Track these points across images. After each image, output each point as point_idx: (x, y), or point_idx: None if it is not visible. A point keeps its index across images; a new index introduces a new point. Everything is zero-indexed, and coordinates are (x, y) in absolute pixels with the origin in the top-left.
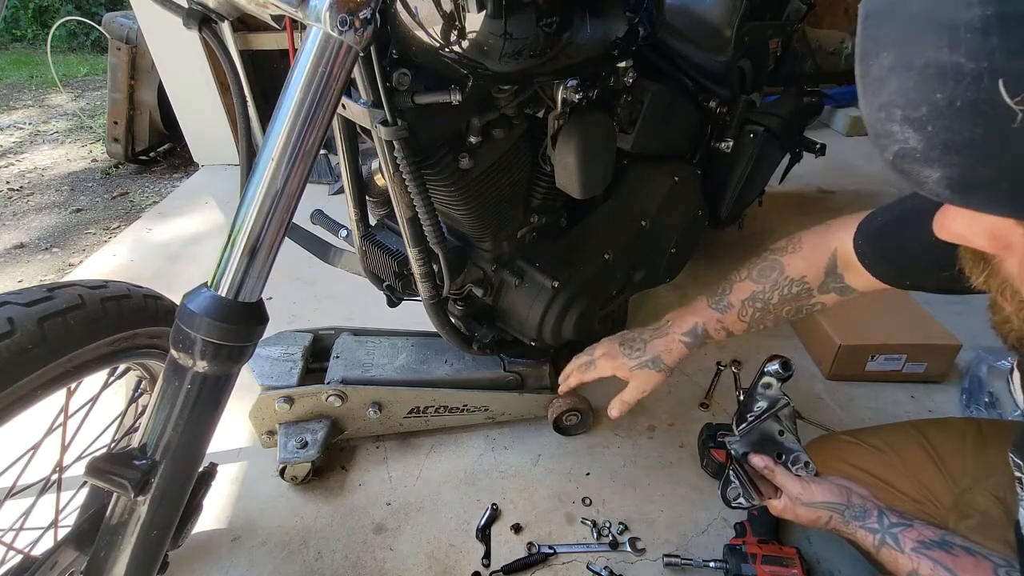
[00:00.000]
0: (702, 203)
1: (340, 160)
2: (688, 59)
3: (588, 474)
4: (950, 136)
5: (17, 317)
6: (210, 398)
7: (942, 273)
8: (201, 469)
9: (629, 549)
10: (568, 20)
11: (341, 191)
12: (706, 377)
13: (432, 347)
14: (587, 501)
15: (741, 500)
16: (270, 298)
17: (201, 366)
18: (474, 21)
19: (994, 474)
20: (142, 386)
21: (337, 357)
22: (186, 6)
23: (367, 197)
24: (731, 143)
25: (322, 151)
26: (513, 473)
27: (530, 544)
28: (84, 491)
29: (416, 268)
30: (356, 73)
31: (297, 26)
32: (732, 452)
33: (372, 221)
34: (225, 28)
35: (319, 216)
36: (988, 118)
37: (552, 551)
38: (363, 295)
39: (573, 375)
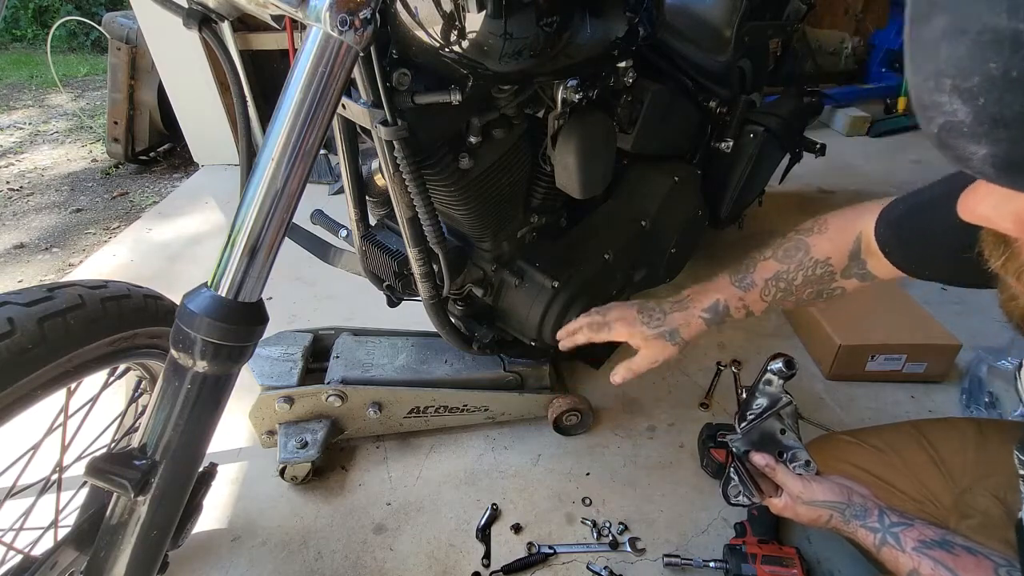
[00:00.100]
0: (702, 203)
1: (340, 160)
2: (688, 59)
3: (588, 474)
4: (1000, 110)
5: (17, 317)
6: (210, 398)
7: (960, 259)
8: (201, 469)
9: (629, 549)
10: (568, 20)
11: (341, 191)
12: (706, 377)
13: (432, 347)
14: (587, 501)
15: (742, 498)
16: (270, 298)
17: (201, 366)
18: (474, 21)
19: (994, 474)
20: (142, 386)
21: (337, 357)
22: (186, 6)
23: (367, 197)
24: (731, 143)
25: (322, 151)
26: (513, 473)
27: (530, 544)
28: (84, 491)
29: (416, 268)
30: (356, 73)
31: (297, 26)
32: (733, 450)
33: (372, 221)
34: (225, 28)
35: (319, 216)
36: None
37: (552, 551)
38: (363, 295)
39: (582, 332)
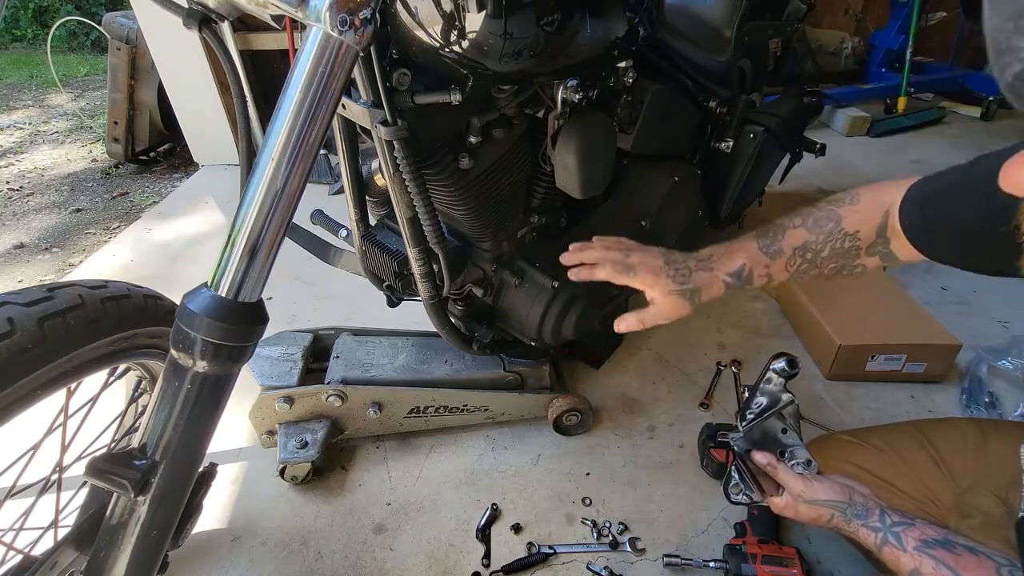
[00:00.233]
0: (702, 203)
1: (340, 160)
2: (688, 59)
3: (588, 474)
4: None
5: (17, 317)
6: (210, 398)
7: (983, 244)
8: (201, 469)
9: (629, 549)
10: (568, 20)
11: (341, 191)
12: (706, 377)
13: (432, 347)
14: (587, 501)
15: (743, 497)
16: (270, 298)
17: (201, 366)
18: (474, 21)
19: (995, 474)
20: (142, 386)
21: (337, 357)
22: (186, 6)
23: (367, 197)
24: (731, 143)
25: (322, 151)
26: (513, 473)
27: (530, 544)
28: (84, 491)
29: (416, 268)
30: (356, 73)
31: (297, 26)
32: (735, 449)
33: (372, 221)
34: (225, 28)
35: (319, 216)
36: None
37: (552, 551)
38: (363, 295)
39: (604, 268)
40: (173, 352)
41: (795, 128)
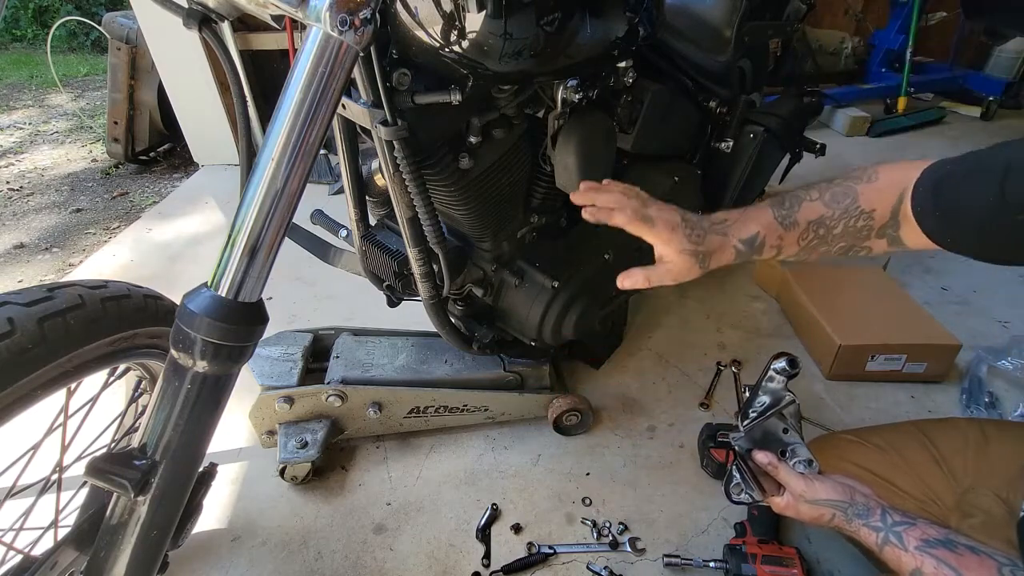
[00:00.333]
0: (702, 203)
1: (340, 160)
2: (688, 59)
3: (588, 474)
4: None
5: (17, 317)
6: (210, 398)
7: (995, 232)
8: (201, 469)
9: (629, 549)
10: (568, 20)
11: (341, 191)
12: (706, 377)
13: (432, 347)
14: (587, 501)
15: (744, 496)
16: (270, 298)
17: (201, 366)
18: (474, 21)
19: (996, 474)
20: (142, 386)
21: (337, 357)
22: (186, 6)
23: (367, 197)
24: (731, 143)
25: (322, 151)
26: (513, 473)
27: (530, 544)
28: (84, 491)
29: (416, 268)
30: (356, 73)
31: (297, 26)
32: (736, 448)
33: (372, 221)
34: (225, 28)
35: (319, 216)
36: None
37: (552, 551)
38: (363, 295)
39: (622, 212)
40: (173, 352)
41: (795, 128)
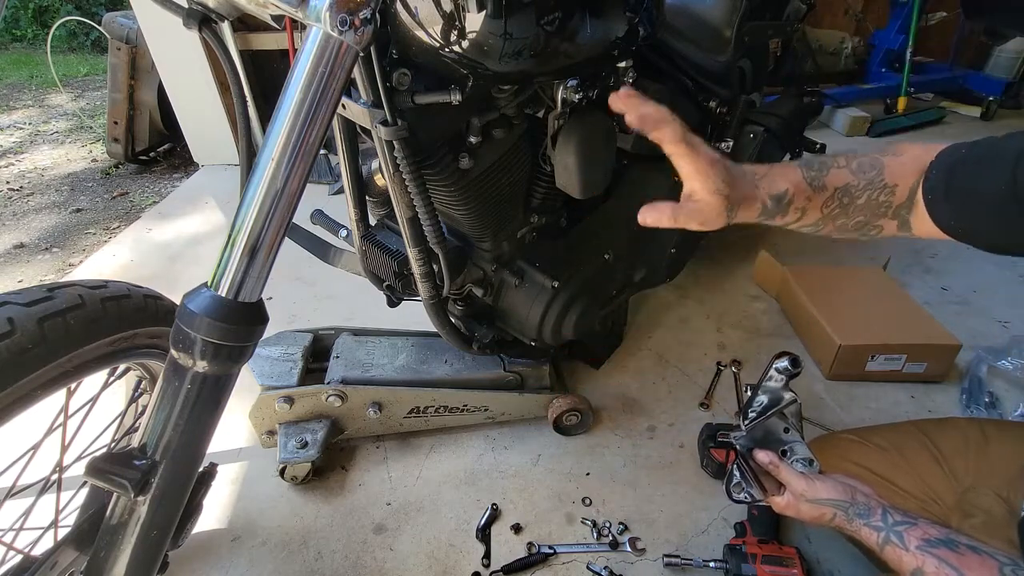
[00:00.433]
0: None
1: (340, 160)
2: (688, 59)
3: (588, 474)
4: None
5: (17, 317)
6: (210, 398)
7: (1008, 221)
8: (201, 469)
9: (629, 549)
10: (568, 20)
11: (341, 191)
12: (706, 377)
13: (432, 347)
14: (587, 501)
15: (745, 495)
16: (270, 298)
17: (201, 366)
18: (474, 21)
19: (997, 473)
20: (142, 386)
21: (337, 357)
22: (186, 6)
23: (367, 197)
24: (731, 143)
25: (322, 151)
26: (513, 473)
27: (530, 544)
28: (84, 491)
29: (416, 268)
30: (356, 73)
31: (297, 26)
32: (737, 447)
33: (372, 221)
34: (225, 28)
35: (319, 216)
36: None
37: (552, 551)
38: (363, 295)
39: (673, 128)
40: (173, 352)
41: (795, 128)
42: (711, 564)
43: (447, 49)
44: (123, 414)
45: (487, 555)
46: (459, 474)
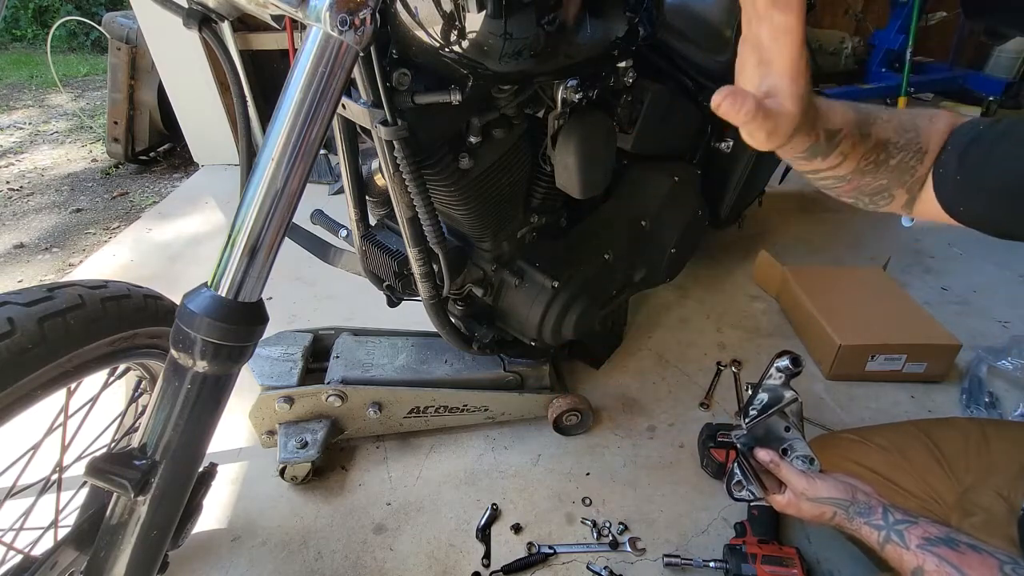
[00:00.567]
0: (702, 203)
1: (340, 160)
2: (688, 59)
3: (588, 474)
4: None
5: (17, 317)
6: (210, 398)
7: (1018, 205)
8: (201, 469)
9: (629, 549)
10: (568, 20)
11: (341, 191)
12: (706, 377)
13: (432, 347)
14: (587, 501)
15: (745, 493)
16: (270, 298)
17: (201, 366)
18: (474, 21)
19: (997, 472)
20: (142, 386)
21: (337, 357)
22: (186, 6)
23: (367, 197)
24: (731, 143)
25: (322, 151)
26: (513, 473)
27: (530, 544)
28: (84, 491)
29: (416, 268)
30: (356, 73)
31: (297, 26)
32: (738, 445)
33: (372, 221)
34: (225, 28)
35: (319, 216)
36: None
37: (552, 551)
38: (363, 295)
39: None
40: (173, 352)
41: None
42: (711, 564)
43: (447, 49)
44: (123, 414)
45: (487, 555)
46: (459, 474)
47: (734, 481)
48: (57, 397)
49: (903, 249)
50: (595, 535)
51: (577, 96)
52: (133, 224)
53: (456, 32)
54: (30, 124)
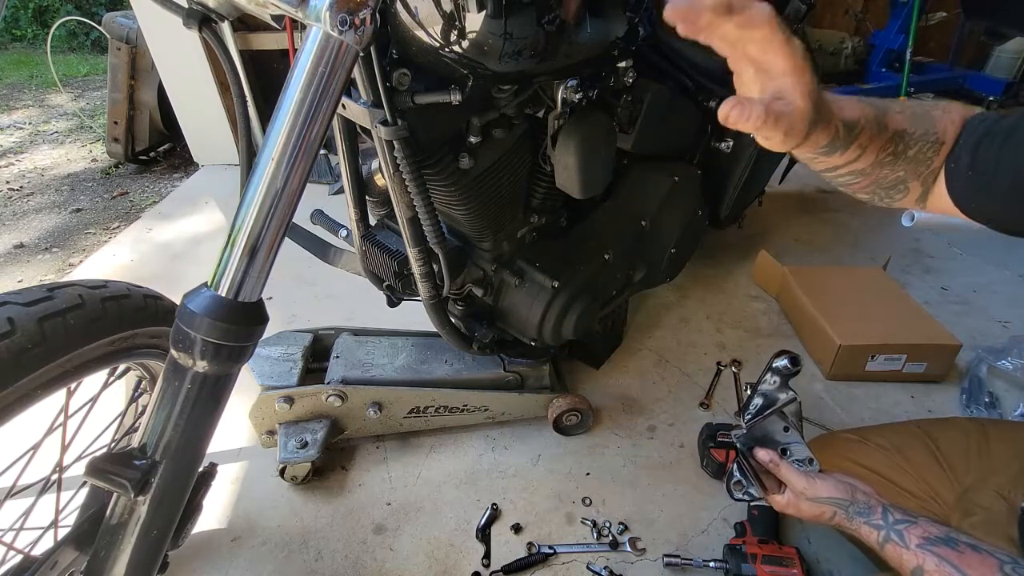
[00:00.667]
0: (702, 203)
1: (340, 160)
2: (688, 59)
3: (588, 474)
4: None
5: (17, 317)
6: (210, 398)
7: None
8: (201, 469)
9: (629, 549)
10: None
11: (341, 191)
12: (706, 377)
13: (432, 347)
14: (587, 501)
15: (745, 493)
16: (270, 298)
17: (201, 366)
18: (474, 21)
19: (997, 472)
20: (142, 386)
21: (337, 357)
22: (186, 6)
23: (367, 197)
24: (731, 143)
25: (322, 151)
26: (513, 473)
27: (530, 544)
28: (84, 491)
29: (416, 268)
30: (356, 73)
31: (297, 26)
32: (738, 445)
33: (372, 221)
34: (225, 28)
35: (319, 216)
36: None
37: (552, 551)
38: (363, 295)
39: (770, 23)
40: (173, 352)
41: None
42: (711, 564)
43: (447, 49)
44: (123, 414)
45: (487, 555)
46: (459, 474)
47: (734, 481)
48: (57, 397)
49: (903, 249)
50: (595, 535)
51: (577, 96)
52: (133, 224)
53: (456, 32)
54: (30, 124)
